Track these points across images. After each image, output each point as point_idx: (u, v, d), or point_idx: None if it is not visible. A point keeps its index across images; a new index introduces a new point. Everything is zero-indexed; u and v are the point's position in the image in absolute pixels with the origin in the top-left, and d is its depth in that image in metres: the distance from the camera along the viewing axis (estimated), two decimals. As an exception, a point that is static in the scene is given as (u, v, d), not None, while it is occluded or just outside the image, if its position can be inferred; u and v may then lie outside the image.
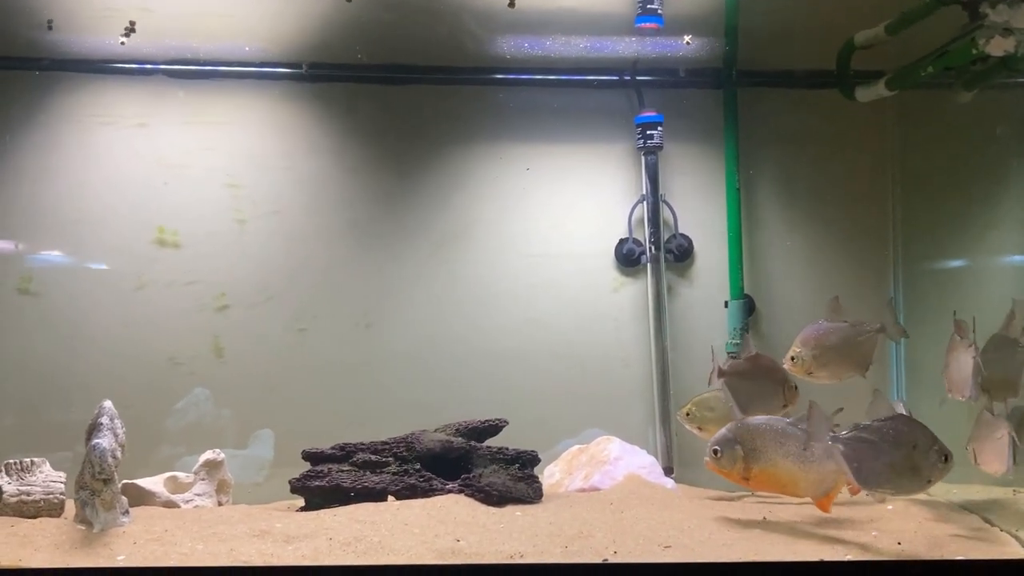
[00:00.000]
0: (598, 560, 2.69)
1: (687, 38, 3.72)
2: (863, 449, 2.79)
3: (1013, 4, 2.96)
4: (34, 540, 2.78)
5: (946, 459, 2.78)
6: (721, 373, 3.28)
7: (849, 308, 3.41)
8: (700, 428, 3.47)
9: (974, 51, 3.11)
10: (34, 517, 3.02)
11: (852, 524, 3.07)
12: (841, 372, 3.29)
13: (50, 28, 3.35)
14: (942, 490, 3.55)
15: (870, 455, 2.79)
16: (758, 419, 3.07)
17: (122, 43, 3.33)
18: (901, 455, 2.78)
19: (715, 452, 3.07)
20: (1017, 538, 2.97)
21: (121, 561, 2.65)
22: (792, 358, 3.28)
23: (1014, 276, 3.28)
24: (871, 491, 2.87)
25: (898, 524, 3.08)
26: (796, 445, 2.98)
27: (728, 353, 3.83)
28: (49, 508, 3.07)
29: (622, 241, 3.92)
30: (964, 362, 3.07)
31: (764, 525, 3.06)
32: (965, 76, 3.37)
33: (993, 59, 3.11)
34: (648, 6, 3.58)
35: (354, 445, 3.31)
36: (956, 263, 3.71)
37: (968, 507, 3.30)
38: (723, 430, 3.11)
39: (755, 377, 3.28)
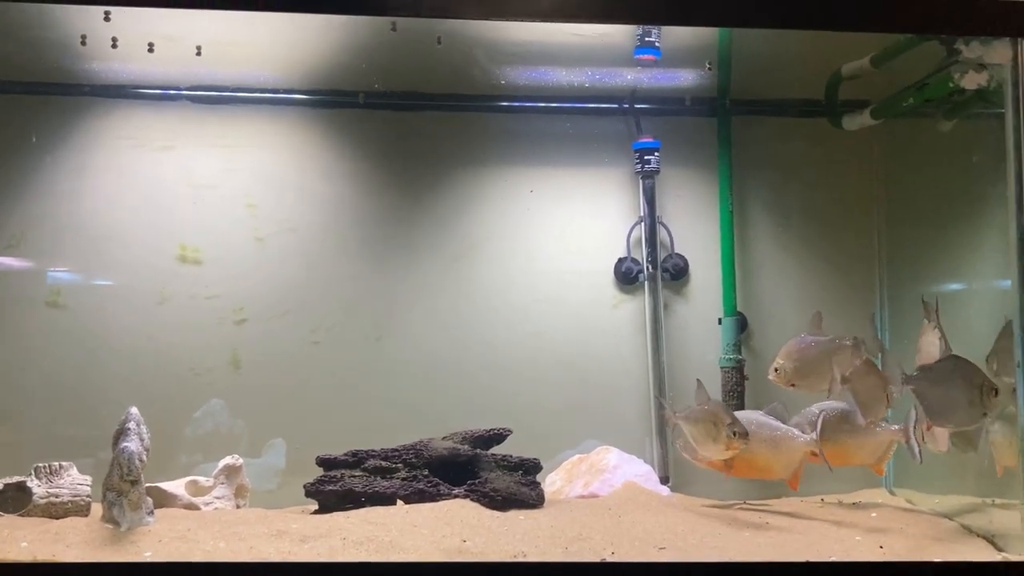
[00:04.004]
0: (596, 560, 2.83)
1: (707, 63, 3.86)
2: (931, 387, 3.03)
3: (985, 41, 3.13)
4: (65, 537, 2.92)
5: (996, 393, 3.04)
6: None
7: (836, 325, 3.54)
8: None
9: (951, 84, 3.28)
10: (62, 518, 3.15)
11: (837, 529, 3.23)
12: (821, 383, 3.41)
13: (83, 44, 3.47)
14: (924, 500, 3.71)
15: (937, 392, 3.05)
16: (737, 413, 3.35)
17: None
18: (960, 391, 3.01)
19: None
20: (992, 543, 3.12)
21: (148, 557, 2.80)
22: (775, 369, 3.43)
23: (992, 297, 3.40)
24: (939, 425, 3.13)
25: (881, 529, 3.24)
26: (769, 433, 3.21)
27: (722, 368, 3.99)
28: (76, 509, 3.22)
29: (621, 260, 4.07)
30: (930, 343, 3.24)
31: (754, 530, 3.21)
32: (945, 107, 3.53)
33: (970, 91, 3.27)
34: (646, 39, 3.69)
35: (365, 452, 3.45)
36: (938, 283, 3.83)
37: (948, 515, 3.45)
38: None
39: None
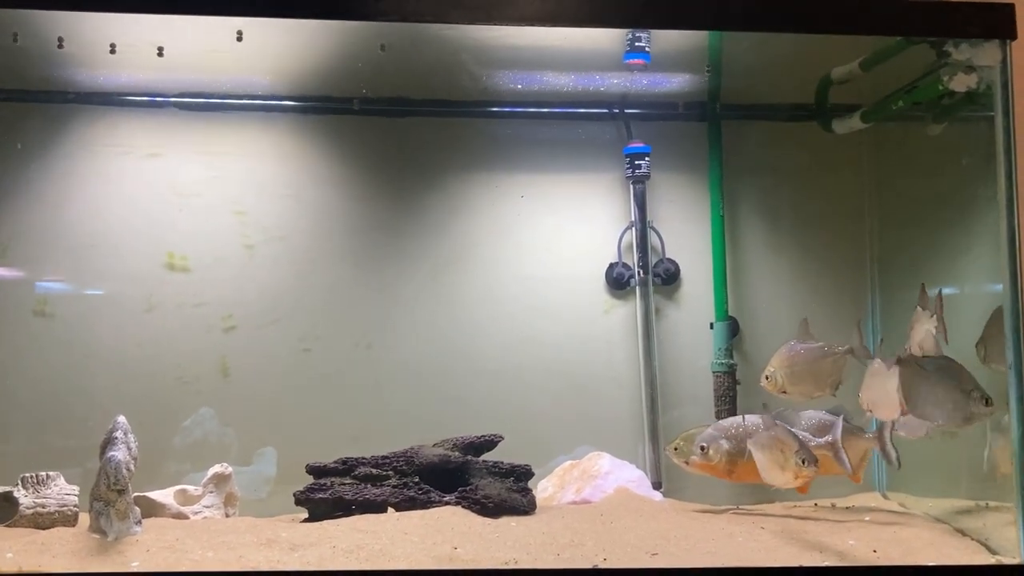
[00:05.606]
0: (589, 566, 2.82)
1: (707, 66, 3.86)
2: (916, 377, 3.01)
3: (975, 44, 3.13)
4: (52, 548, 2.90)
5: (987, 403, 3.01)
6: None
7: (828, 330, 3.55)
8: (686, 463, 3.56)
9: (940, 87, 3.29)
10: (49, 528, 3.13)
11: (830, 533, 3.21)
12: (812, 390, 3.42)
13: (60, 47, 3.44)
14: (917, 503, 3.70)
15: (921, 384, 3.03)
16: (738, 419, 3.36)
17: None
18: (944, 390, 3.02)
19: (702, 448, 3.29)
20: (986, 546, 3.11)
21: (135, 567, 2.78)
22: (766, 377, 3.43)
23: (983, 298, 3.40)
24: (917, 416, 3.09)
25: (874, 533, 3.23)
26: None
27: (714, 373, 3.98)
28: (63, 519, 3.19)
29: (612, 265, 4.07)
30: (924, 329, 3.18)
31: (747, 535, 3.19)
32: (934, 110, 3.54)
33: (959, 94, 3.27)
34: (636, 43, 3.70)
35: (356, 459, 3.43)
36: (929, 285, 3.80)
37: (941, 518, 3.44)
38: (709, 430, 3.39)
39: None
